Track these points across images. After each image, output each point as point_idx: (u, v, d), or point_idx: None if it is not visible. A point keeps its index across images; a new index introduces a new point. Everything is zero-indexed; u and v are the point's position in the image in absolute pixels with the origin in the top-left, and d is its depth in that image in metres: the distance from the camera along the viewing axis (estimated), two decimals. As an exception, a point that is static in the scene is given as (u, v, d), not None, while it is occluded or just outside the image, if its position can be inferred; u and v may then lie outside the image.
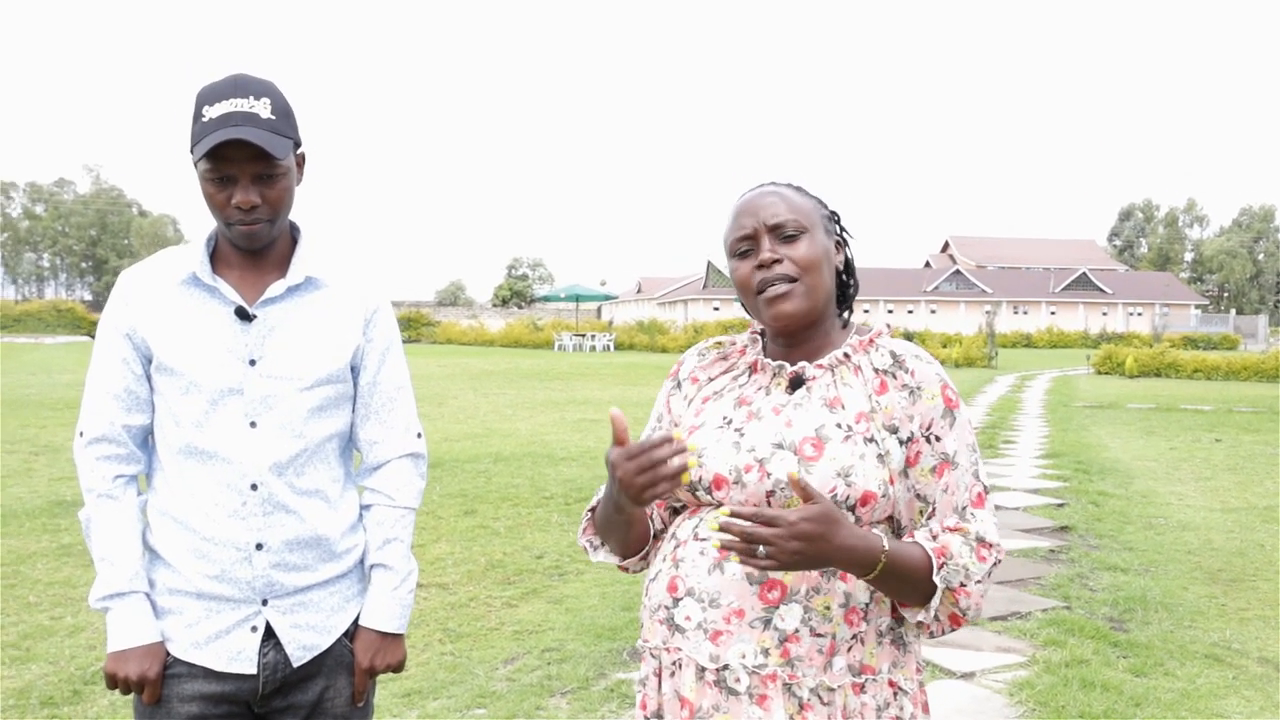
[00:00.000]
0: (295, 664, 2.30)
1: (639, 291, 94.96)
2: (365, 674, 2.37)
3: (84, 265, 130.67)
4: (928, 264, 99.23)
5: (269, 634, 2.28)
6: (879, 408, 1.91)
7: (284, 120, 2.23)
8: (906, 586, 1.85)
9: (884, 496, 1.87)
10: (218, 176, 2.19)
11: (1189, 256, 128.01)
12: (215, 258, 2.32)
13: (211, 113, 2.16)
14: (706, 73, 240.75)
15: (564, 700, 4.80)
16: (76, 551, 7.52)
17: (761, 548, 1.71)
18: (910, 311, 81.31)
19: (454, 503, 9.49)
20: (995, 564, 1.90)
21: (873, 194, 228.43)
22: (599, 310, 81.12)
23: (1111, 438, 15.39)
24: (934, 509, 1.91)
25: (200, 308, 2.27)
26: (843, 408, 1.92)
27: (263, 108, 2.19)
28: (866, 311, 78.44)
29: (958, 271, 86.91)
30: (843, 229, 2.10)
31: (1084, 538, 8.40)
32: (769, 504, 1.86)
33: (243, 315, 2.26)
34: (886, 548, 1.80)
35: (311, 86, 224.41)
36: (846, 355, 1.99)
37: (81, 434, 2.31)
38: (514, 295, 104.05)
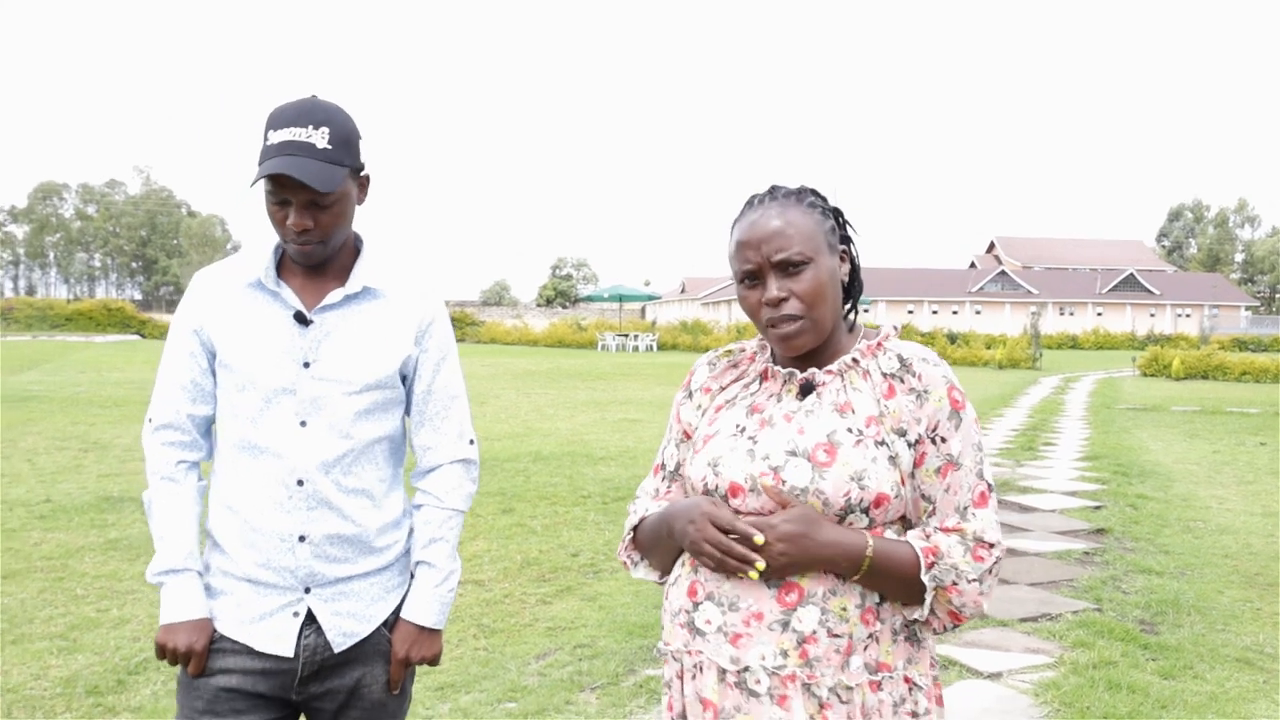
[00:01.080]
0: (336, 649, 2.40)
1: (683, 291, 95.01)
2: (400, 664, 2.45)
3: (134, 265, 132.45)
4: (973, 265, 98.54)
5: (310, 619, 2.39)
6: (888, 411, 1.95)
7: (341, 149, 2.31)
8: (897, 584, 1.91)
9: (896, 498, 1.93)
10: (276, 200, 2.31)
11: (1239, 257, 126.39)
12: (281, 264, 2.44)
13: (274, 138, 2.27)
14: (751, 72, 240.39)
15: (593, 695, 4.89)
16: (123, 546, 7.70)
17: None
18: (955, 312, 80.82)
19: (492, 501, 9.60)
20: (995, 562, 1.94)
21: (918, 195, 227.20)
22: (643, 310, 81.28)
23: (1153, 440, 15.30)
24: (935, 508, 1.96)
25: (263, 310, 2.39)
26: (853, 412, 1.96)
27: (320, 137, 2.28)
28: (910, 312, 78.12)
29: (1003, 272, 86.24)
30: (845, 229, 2.10)
31: (1120, 540, 8.39)
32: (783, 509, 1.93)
33: (301, 320, 2.38)
34: (871, 544, 1.87)
35: (358, 90, 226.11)
36: (855, 360, 2.02)
37: (150, 420, 2.45)
38: (558, 295, 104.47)
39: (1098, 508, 9.81)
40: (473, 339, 56.20)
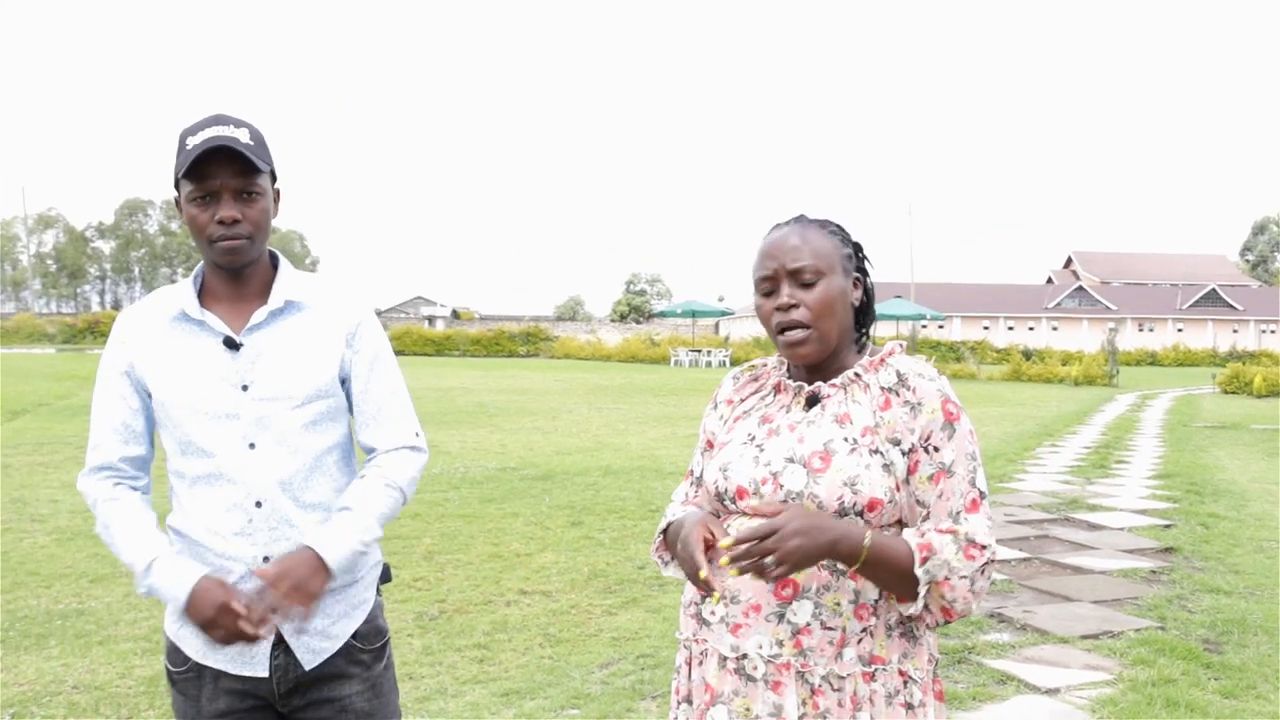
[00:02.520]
0: (306, 668, 2.44)
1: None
2: (271, 581, 2.28)
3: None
4: (1050, 280, 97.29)
5: (279, 639, 2.42)
6: (883, 422, 2.10)
7: (261, 148, 2.40)
8: (892, 577, 2.04)
9: (890, 502, 2.07)
10: (201, 195, 2.35)
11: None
12: (203, 293, 2.48)
13: (194, 140, 2.34)
14: (826, 88, 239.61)
15: (654, 704, 5.00)
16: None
17: (769, 558, 1.94)
18: (1031, 328, 79.82)
19: (562, 514, 9.76)
20: (987, 563, 2.07)
21: (995, 210, 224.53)
22: (716, 326, 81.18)
23: (1230, 459, 15.07)
24: (929, 513, 2.09)
25: (192, 341, 2.42)
26: (851, 423, 2.11)
27: (242, 135, 2.36)
28: (986, 329, 77.29)
29: (1080, 288, 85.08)
30: (863, 262, 2.26)
31: (1189, 559, 8.33)
32: None
33: (230, 344, 2.41)
34: (869, 535, 2.01)
35: (436, 109, 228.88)
36: (857, 375, 2.17)
37: (86, 469, 2.47)
38: (632, 311, 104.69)
39: (1168, 526, 9.72)
40: (546, 354, 56.61)
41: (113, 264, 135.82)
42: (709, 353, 48.71)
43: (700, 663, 2.17)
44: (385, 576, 2.66)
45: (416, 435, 2.58)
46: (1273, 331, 79.76)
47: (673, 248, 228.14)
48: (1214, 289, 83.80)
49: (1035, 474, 13.32)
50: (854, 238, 2.27)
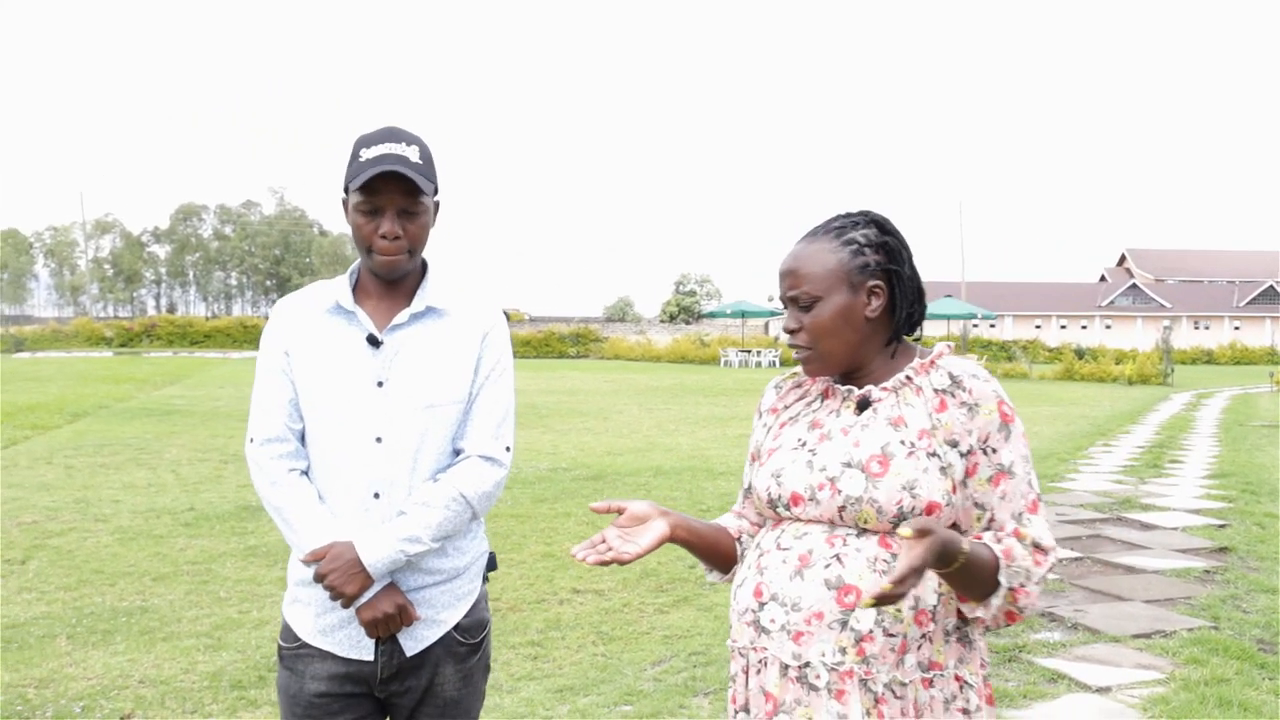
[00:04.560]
0: (408, 654, 2.55)
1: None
2: (318, 573, 2.47)
3: (268, 283, 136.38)
4: (1103, 278, 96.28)
5: None
6: (939, 424, 2.09)
7: (428, 167, 2.54)
8: (975, 583, 2.03)
9: (948, 505, 2.06)
10: (368, 209, 2.49)
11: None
12: (357, 289, 2.63)
13: (368, 154, 2.48)
14: (876, 85, 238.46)
15: (706, 700, 5.07)
16: (262, 552, 8.12)
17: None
18: (1084, 327, 79.08)
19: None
20: (1050, 567, 2.09)
21: (1048, 207, 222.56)
22: (766, 326, 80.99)
23: (1287, 458, 14.90)
24: (992, 515, 2.09)
25: (340, 333, 2.57)
26: (906, 426, 2.10)
27: (412, 153, 2.50)
28: (1038, 327, 76.62)
29: (1134, 285, 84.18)
30: (892, 265, 2.19)
31: (1244, 559, 8.26)
32: (840, 517, 2.08)
33: (372, 341, 2.54)
34: (966, 548, 1.97)
35: (487, 111, 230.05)
36: (909, 378, 2.16)
37: (253, 439, 2.59)
38: (681, 311, 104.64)
39: (1222, 526, 9.65)
40: (596, 355, 56.75)
41: (168, 268, 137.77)
42: (759, 353, 48.55)
43: (759, 671, 2.15)
44: (491, 565, 2.76)
45: (505, 449, 2.62)
46: (1332, 329, 78.46)
47: (722, 247, 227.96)
48: (1272, 286, 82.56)
49: (1088, 473, 13.23)
50: (889, 234, 2.21)
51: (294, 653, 2.59)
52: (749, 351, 49.18)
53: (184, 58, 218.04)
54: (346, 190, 2.55)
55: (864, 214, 2.23)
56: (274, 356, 2.60)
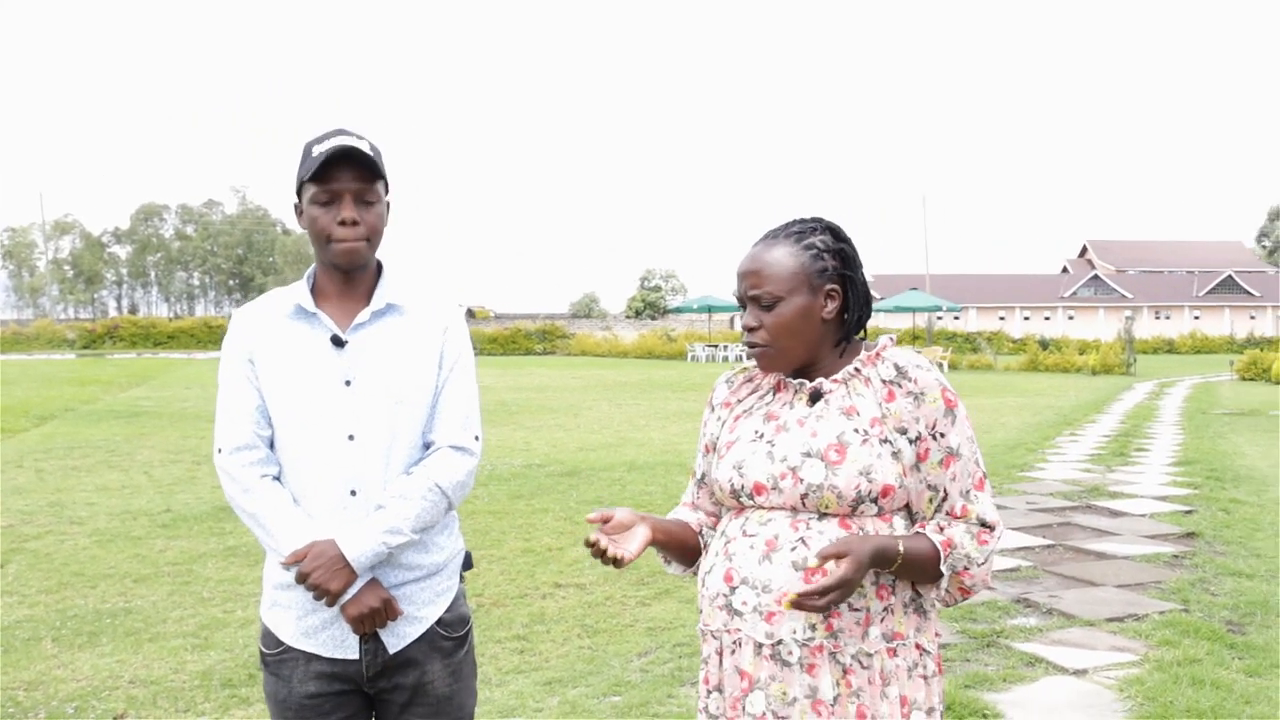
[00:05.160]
0: (391, 651, 2.58)
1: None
2: (301, 573, 2.49)
3: (231, 283, 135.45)
4: (1065, 269, 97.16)
5: None
6: (889, 413, 2.22)
7: (379, 158, 2.59)
8: (921, 574, 2.24)
9: (901, 488, 2.21)
10: (325, 199, 2.53)
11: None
12: (315, 292, 2.65)
13: (320, 148, 2.53)
14: (838, 81, 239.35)
15: (693, 689, 5.15)
16: (242, 552, 8.14)
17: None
18: (1047, 318, 79.82)
19: (590, 509, 9.85)
20: (996, 541, 2.28)
21: (1009, 200, 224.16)
22: (731, 320, 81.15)
23: (1250, 445, 15.15)
24: (945, 494, 2.24)
25: (303, 336, 2.59)
26: (858, 415, 2.23)
27: (363, 145, 2.55)
28: (1002, 319, 77.25)
29: (1096, 276, 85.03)
30: (846, 269, 2.32)
31: (1210, 544, 8.44)
32: (803, 504, 2.21)
33: (336, 342, 2.58)
34: (902, 550, 2.17)
35: (447, 107, 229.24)
36: (857, 370, 2.30)
37: (220, 449, 2.59)
38: (647, 306, 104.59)
39: (1189, 512, 9.84)
40: (563, 351, 56.80)
41: (129, 269, 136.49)
42: (726, 347, 48.60)
43: (733, 652, 2.25)
44: (467, 564, 2.80)
45: (474, 439, 2.66)
46: (1290, 317, 79.49)
47: (686, 243, 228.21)
48: (1230, 276, 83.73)
49: (1056, 462, 13.43)
50: (843, 241, 2.34)
51: (278, 658, 2.62)
52: (715, 346, 49.34)
53: (143, 55, 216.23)
54: (299, 192, 2.59)
55: (819, 220, 2.35)
56: (237, 364, 2.62)
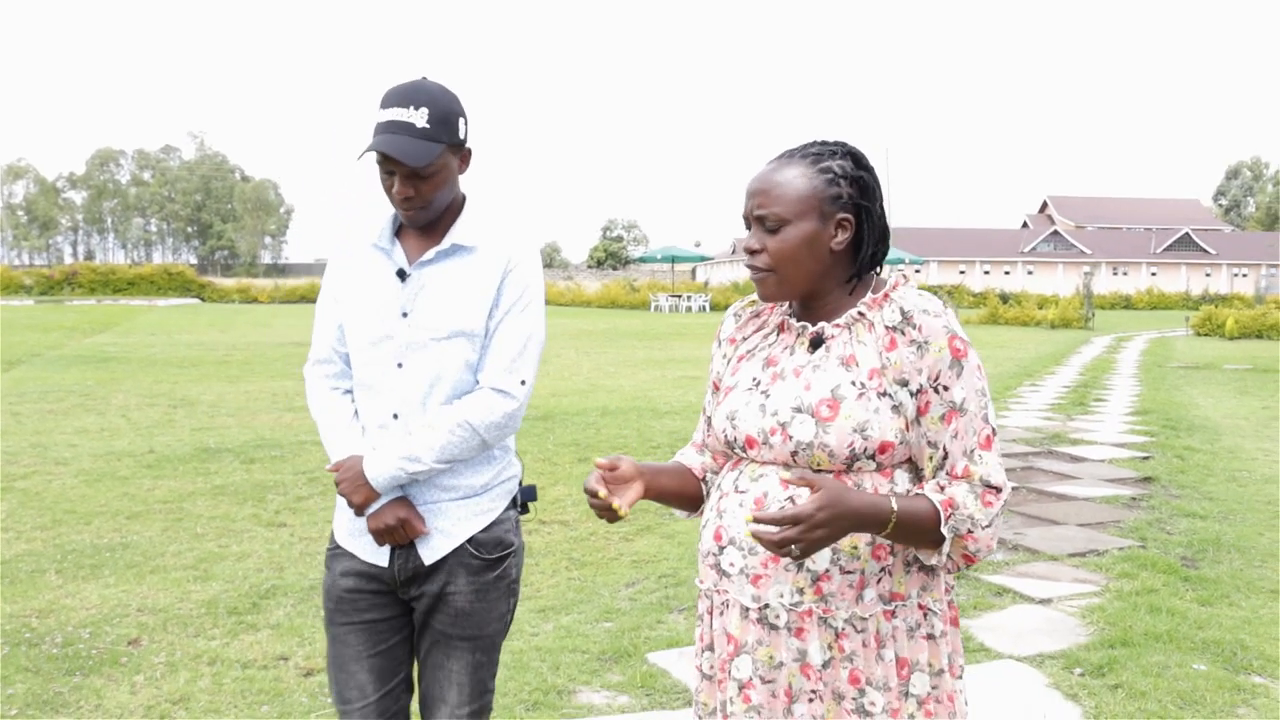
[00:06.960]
0: (426, 562, 2.74)
1: (734, 252, 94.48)
2: (335, 481, 2.76)
3: (189, 230, 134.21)
4: (1025, 224, 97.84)
5: None
6: (889, 364, 2.06)
7: (439, 126, 2.63)
8: (919, 537, 2.06)
9: (901, 443, 2.06)
10: (384, 171, 2.66)
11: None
12: (401, 226, 2.86)
13: (381, 116, 2.63)
14: (802, 30, 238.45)
15: (680, 616, 5.43)
16: (230, 491, 8.33)
17: (793, 547, 1.94)
18: (1007, 273, 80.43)
19: (567, 451, 10.15)
20: (1002, 505, 2.09)
21: (970, 154, 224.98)
22: (694, 271, 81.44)
23: (1203, 397, 15.60)
24: (945, 452, 2.08)
25: (376, 267, 2.77)
26: (857, 365, 2.08)
27: (420, 117, 2.61)
28: (962, 273, 77.86)
29: (1056, 232, 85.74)
30: (863, 199, 2.14)
31: (1166, 488, 8.81)
32: (794, 461, 2.09)
33: (400, 275, 2.74)
34: (896, 508, 2.00)
35: (407, 48, 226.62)
36: (862, 313, 2.12)
37: (309, 360, 2.89)
38: (609, 257, 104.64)
39: (1146, 458, 10.22)
40: (526, 301, 56.59)
41: (85, 215, 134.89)
42: (689, 298, 48.84)
43: (721, 613, 2.18)
44: (526, 500, 2.93)
45: (519, 383, 2.73)
46: (1244, 275, 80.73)
47: (649, 193, 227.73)
48: (1187, 233, 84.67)
49: (1018, 411, 13.80)
50: (865, 169, 2.16)
51: (332, 552, 2.87)
52: (679, 296, 49.46)
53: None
54: None
55: (841, 144, 2.17)
56: (329, 284, 2.87)
